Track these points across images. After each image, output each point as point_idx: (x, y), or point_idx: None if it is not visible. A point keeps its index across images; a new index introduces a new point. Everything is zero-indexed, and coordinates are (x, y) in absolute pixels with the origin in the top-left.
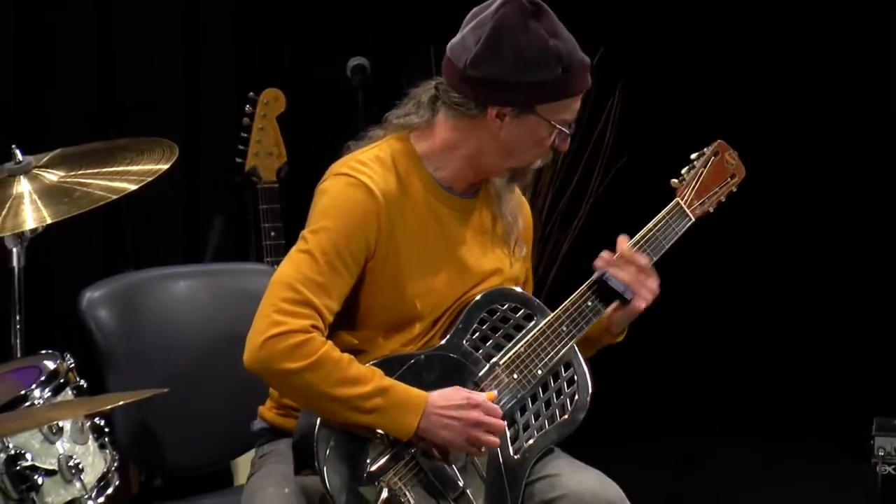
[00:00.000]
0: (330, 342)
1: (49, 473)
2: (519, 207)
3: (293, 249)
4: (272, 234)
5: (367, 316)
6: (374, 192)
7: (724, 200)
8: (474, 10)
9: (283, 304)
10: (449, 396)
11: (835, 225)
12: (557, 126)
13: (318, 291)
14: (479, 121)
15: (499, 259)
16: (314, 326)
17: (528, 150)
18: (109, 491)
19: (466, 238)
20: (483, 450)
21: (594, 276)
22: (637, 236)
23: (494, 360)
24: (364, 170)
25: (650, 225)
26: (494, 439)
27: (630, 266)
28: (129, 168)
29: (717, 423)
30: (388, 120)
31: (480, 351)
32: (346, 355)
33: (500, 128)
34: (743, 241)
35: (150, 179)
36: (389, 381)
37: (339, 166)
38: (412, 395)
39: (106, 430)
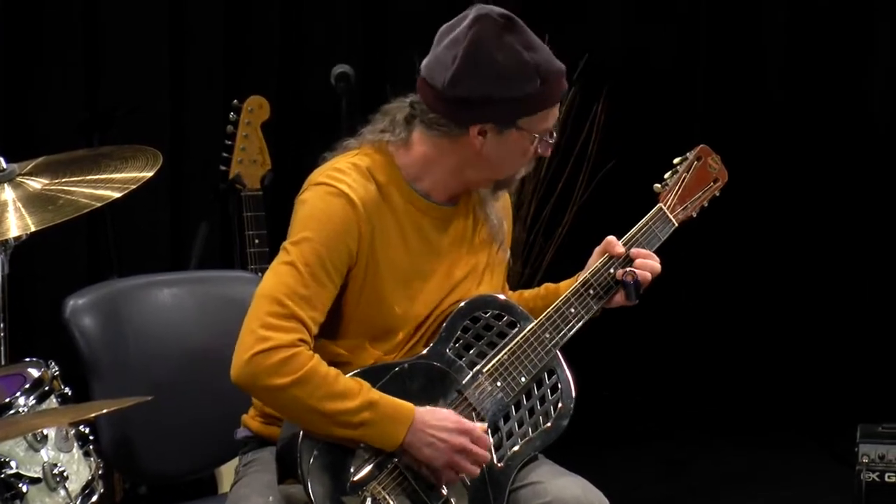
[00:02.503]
0: (317, 356)
1: (34, 481)
2: (504, 210)
3: (275, 261)
4: (256, 241)
5: (349, 324)
6: (354, 201)
7: (706, 205)
8: (444, 27)
9: (269, 318)
10: (441, 417)
11: (821, 232)
12: (539, 136)
13: (303, 304)
14: (461, 139)
15: (478, 266)
16: (301, 340)
17: (512, 163)
18: (94, 499)
19: (446, 246)
20: (461, 476)
21: (624, 283)
22: (620, 241)
23: (478, 367)
24: (343, 178)
25: (633, 231)
26: (475, 469)
27: (645, 261)
28: (114, 176)
29: (703, 429)
30: (363, 135)
31: (464, 359)
32: (332, 369)
33: (482, 144)
34: (729, 249)
35: (134, 187)
36: (377, 395)
37: (317, 176)
38: (400, 407)
39: (90, 437)
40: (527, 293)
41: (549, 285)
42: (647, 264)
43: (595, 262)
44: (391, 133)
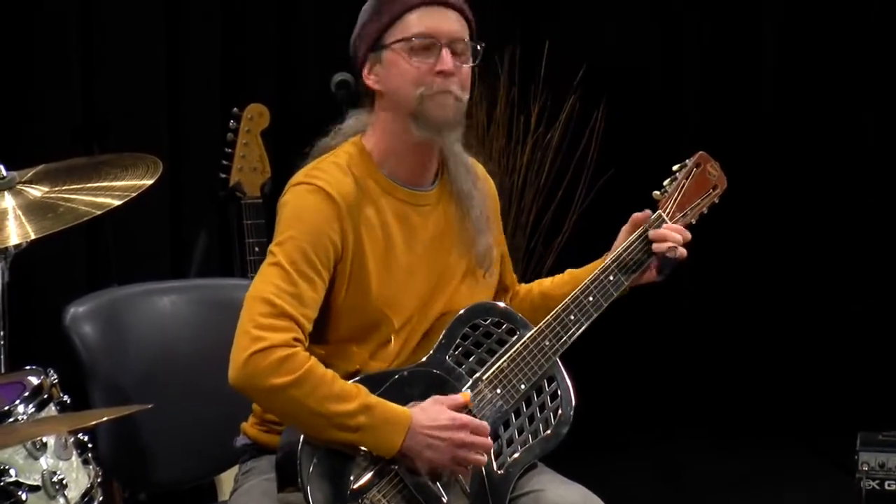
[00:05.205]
0: (314, 357)
1: (33, 489)
2: (484, 195)
3: (263, 264)
4: (256, 249)
5: (337, 321)
6: (333, 196)
7: (706, 212)
8: None
9: (262, 318)
10: (434, 416)
11: (822, 239)
12: (409, 42)
13: (294, 301)
14: (372, 94)
15: (464, 252)
16: (296, 339)
17: (406, 83)
18: None
19: (428, 233)
20: (470, 468)
21: (664, 263)
22: (619, 248)
23: (477, 375)
24: (321, 175)
25: (633, 237)
26: (482, 458)
27: (675, 235)
28: (114, 183)
29: (702, 435)
30: (338, 129)
31: (463, 366)
32: (329, 371)
33: (378, 81)
34: (726, 257)
35: (134, 195)
36: (374, 399)
37: (296, 177)
38: (397, 413)
39: (90, 445)
40: (546, 282)
41: (573, 271)
42: (681, 239)
43: (623, 240)
44: (355, 122)
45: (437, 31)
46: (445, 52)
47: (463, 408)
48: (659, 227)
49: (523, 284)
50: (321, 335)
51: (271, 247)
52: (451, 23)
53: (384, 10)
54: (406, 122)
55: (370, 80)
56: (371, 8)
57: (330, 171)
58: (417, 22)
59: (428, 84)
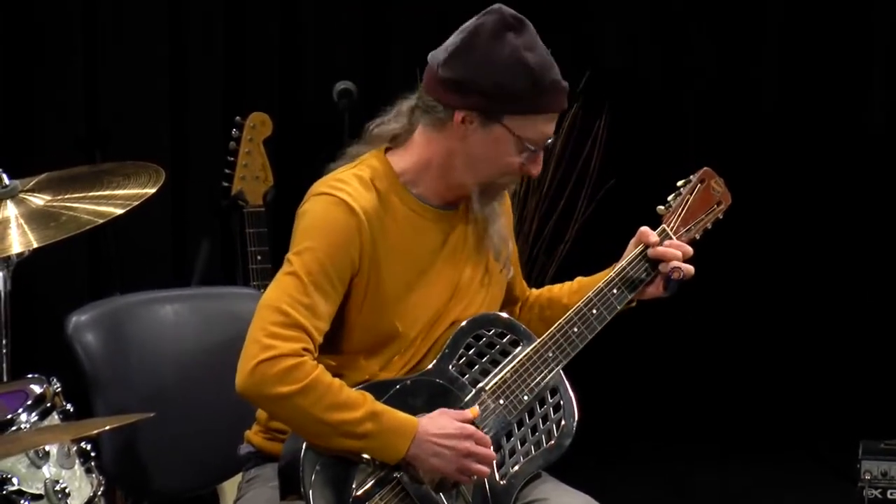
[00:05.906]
0: (321, 366)
1: (35, 498)
2: (504, 216)
3: (279, 273)
4: (259, 257)
5: (351, 333)
6: (355, 210)
7: (710, 227)
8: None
9: (273, 327)
10: (441, 424)
11: (824, 248)
12: (524, 143)
13: (307, 313)
14: (448, 127)
15: (480, 272)
16: (305, 349)
17: (494, 165)
18: None
19: (446, 252)
20: (473, 478)
21: (670, 280)
22: (623, 263)
23: (480, 385)
24: (344, 187)
25: (636, 251)
26: (485, 469)
27: (676, 252)
28: (116, 192)
29: (704, 444)
30: (369, 130)
31: (467, 376)
32: (336, 380)
33: (466, 135)
34: (728, 268)
35: (136, 203)
36: (381, 406)
37: (318, 186)
38: (403, 420)
39: (92, 454)
40: (556, 289)
41: (582, 280)
42: (681, 256)
43: (630, 253)
44: (394, 121)
45: (546, 138)
46: (539, 157)
47: (469, 422)
48: (662, 242)
49: (533, 290)
50: (333, 347)
51: (289, 255)
52: (552, 128)
53: (526, 99)
54: (468, 182)
55: (461, 127)
56: (512, 77)
57: (353, 183)
58: (541, 129)
59: (511, 174)
